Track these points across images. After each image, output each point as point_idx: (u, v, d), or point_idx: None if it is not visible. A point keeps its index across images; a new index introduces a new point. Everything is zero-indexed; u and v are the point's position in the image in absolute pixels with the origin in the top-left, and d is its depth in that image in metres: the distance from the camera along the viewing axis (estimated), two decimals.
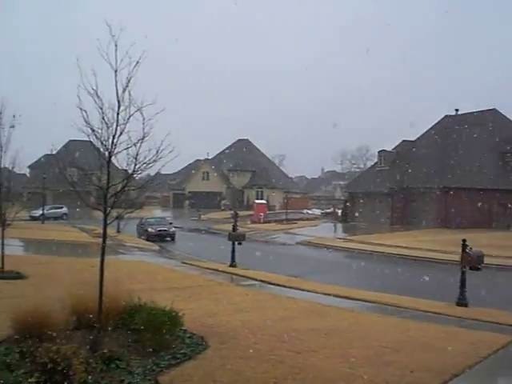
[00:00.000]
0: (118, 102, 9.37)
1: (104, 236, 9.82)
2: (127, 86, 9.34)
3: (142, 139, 9.59)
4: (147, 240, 43.12)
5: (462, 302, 16.54)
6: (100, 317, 9.40)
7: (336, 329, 12.46)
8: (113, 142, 9.47)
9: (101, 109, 9.42)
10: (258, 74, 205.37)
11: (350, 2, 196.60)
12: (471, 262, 16.62)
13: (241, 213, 51.36)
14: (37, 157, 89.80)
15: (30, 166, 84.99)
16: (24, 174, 69.81)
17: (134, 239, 41.89)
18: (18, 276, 18.65)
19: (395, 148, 65.48)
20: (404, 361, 9.88)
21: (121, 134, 9.48)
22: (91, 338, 9.31)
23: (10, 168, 20.62)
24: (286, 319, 13.39)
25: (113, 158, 9.71)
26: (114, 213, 9.93)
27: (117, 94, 9.36)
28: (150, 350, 9.28)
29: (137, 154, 9.66)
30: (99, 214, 10.03)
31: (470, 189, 51.44)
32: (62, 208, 73.03)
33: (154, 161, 9.73)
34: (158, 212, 75.79)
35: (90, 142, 10.33)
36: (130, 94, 9.38)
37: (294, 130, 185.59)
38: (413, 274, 25.66)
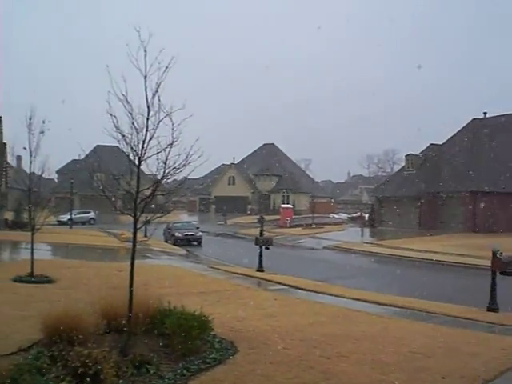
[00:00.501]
0: (148, 107, 9.40)
1: (134, 240, 9.85)
2: (156, 92, 9.37)
3: (172, 144, 9.60)
4: (174, 244, 43.32)
5: (492, 307, 16.30)
6: (130, 321, 9.42)
7: (366, 334, 12.35)
8: (143, 148, 9.50)
9: (130, 114, 9.46)
10: (282, 79, 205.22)
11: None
12: (502, 266, 16.40)
13: (267, 217, 51.19)
14: (64, 162, 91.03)
15: (57, 171, 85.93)
16: (52, 179, 70.57)
17: (161, 244, 42.07)
18: (47, 280, 18.76)
19: (423, 152, 64.94)
20: (435, 367, 9.76)
21: (150, 139, 9.51)
22: (121, 342, 9.35)
23: (40, 173, 20.80)
24: (315, 324, 13.31)
25: (142, 163, 9.74)
26: (142, 218, 9.95)
27: (146, 99, 9.39)
28: (180, 354, 9.28)
29: (166, 159, 9.68)
30: (126, 219, 10.09)
31: (498, 192, 50.79)
32: (89, 213, 73.70)
33: (184, 165, 9.74)
34: (184, 216, 76.02)
35: (117, 147, 10.39)
36: (159, 100, 9.42)
37: (320, 134, 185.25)
38: (442, 279, 25.43)
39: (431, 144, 64.62)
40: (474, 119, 62.47)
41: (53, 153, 20.62)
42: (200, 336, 9.76)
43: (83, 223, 69.09)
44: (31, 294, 15.97)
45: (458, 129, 63.74)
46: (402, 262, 33.90)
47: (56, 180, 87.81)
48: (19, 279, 18.42)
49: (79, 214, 72.01)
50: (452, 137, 63.50)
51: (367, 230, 60.76)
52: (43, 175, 21.35)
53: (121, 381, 7.82)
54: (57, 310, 9.65)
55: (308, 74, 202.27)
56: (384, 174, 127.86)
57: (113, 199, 10.92)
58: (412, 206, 58.57)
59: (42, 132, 18.68)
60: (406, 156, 66.43)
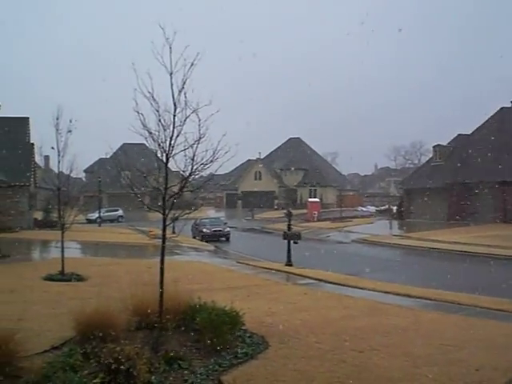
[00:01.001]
0: (174, 104, 9.42)
1: (163, 237, 9.88)
2: (183, 88, 9.37)
3: (199, 140, 9.62)
4: (202, 240, 43.49)
5: None
6: (161, 317, 9.46)
7: (397, 327, 12.26)
8: (170, 144, 9.52)
9: (157, 111, 9.49)
10: (307, 72, 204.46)
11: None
12: None
13: (294, 212, 51.10)
14: (92, 161, 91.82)
15: (85, 170, 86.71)
16: (80, 178, 71.20)
17: (189, 240, 42.22)
18: (78, 278, 18.95)
19: (450, 142, 64.31)
20: (468, 359, 9.64)
21: (178, 135, 9.53)
22: (153, 338, 9.40)
23: (68, 172, 20.98)
24: (346, 318, 13.26)
25: (170, 159, 9.75)
26: (171, 214, 9.96)
27: (172, 96, 9.40)
28: (212, 349, 9.30)
29: (194, 155, 9.69)
30: (154, 216, 10.12)
31: None
32: (117, 210, 74.26)
33: (211, 161, 9.76)
34: (211, 212, 76.35)
35: (144, 145, 10.42)
36: (185, 96, 9.42)
37: (347, 127, 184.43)
38: (472, 270, 25.15)
39: (459, 134, 63.98)
40: (502, 108, 61.61)
41: (80, 152, 20.80)
42: (231, 331, 9.77)
43: (112, 221, 69.66)
44: (62, 291, 16.14)
45: (486, 118, 62.95)
46: (432, 254, 33.60)
47: (84, 179, 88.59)
48: (50, 278, 18.63)
49: (107, 212, 72.60)
50: (480, 126, 62.67)
51: (395, 223, 60.26)
52: (71, 174, 21.54)
53: (153, 377, 7.86)
54: (88, 308, 9.72)
55: (333, 66, 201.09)
56: (411, 165, 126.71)
57: (139, 197, 10.95)
58: (440, 197, 57.97)
59: (70, 131, 18.89)
60: (433, 147, 65.78)
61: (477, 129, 62.76)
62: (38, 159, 43.23)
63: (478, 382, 8.44)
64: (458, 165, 57.77)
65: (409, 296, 17.14)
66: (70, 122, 18.61)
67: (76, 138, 19.64)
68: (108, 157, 57.65)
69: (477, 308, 15.09)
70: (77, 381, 7.34)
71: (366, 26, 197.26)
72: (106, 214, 70.76)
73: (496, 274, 23.23)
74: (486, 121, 62.22)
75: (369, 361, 9.42)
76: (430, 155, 68.40)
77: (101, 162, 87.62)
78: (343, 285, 19.76)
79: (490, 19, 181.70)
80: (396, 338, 11.21)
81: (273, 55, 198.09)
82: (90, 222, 64.19)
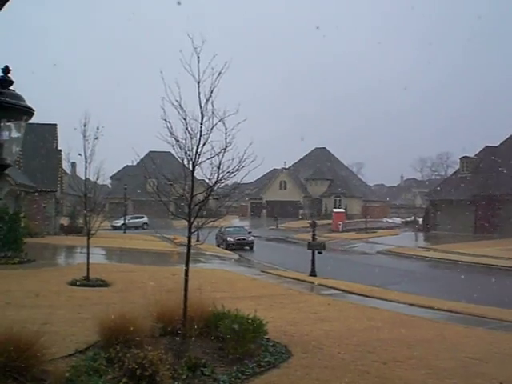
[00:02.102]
0: (202, 112, 9.47)
1: (188, 244, 9.93)
2: (210, 97, 9.43)
3: (225, 149, 9.65)
4: (226, 249, 43.54)
5: None
6: (185, 324, 9.50)
7: (421, 339, 12.18)
8: (197, 152, 9.58)
9: (184, 120, 9.55)
10: (334, 81, 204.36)
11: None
12: None
13: (319, 222, 51.04)
14: (118, 168, 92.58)
15: (111, 177, 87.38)
16: (106, 185, 71.87)
17: (213, 248, 42.29)
18: (103, 284, 19.07)
19: (478, 154, 63.81)
20: (493, 372, 9.56)
21: (204, 144, 9.57)
22: (176, 344, 9.43)
23: (94, 179, 21.14)
24: (370, 329, 13.20)
25: (196, 167, 9.82)
26: (195, 222, 10.01)
27: (200, 105, 9.45)
28: (234, 357, 9.31)
29: (220, 164, 9.73)
30: (178, 224, 10.20)
31: None
32: (142, 218, 74.77)
33: (237, 170, 9.78)
34: (236, 221, 76.42)
35: (170, 153, 10.51)
36: (212, 105, 9.48)
37: (373, 137, 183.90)
38: (499, 283, 24.84)
39: (486, 146, 63.48)
40: None
41: (107, 159, 20.94)
42: (254, 339, 9.78)
43: (136, 228, 70.09)
44: (87, 297, 16.27)
45: None
46: (458, 267, 33.27)
47: (110, 186, 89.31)
48: (75, 283, 18.76)
49: (133, 218, 73.15)
50: (508, 138, 62.14)
51: (421, 235, 59.93)
52: (98, 181, 21.70)
53: (176, 383, 7.89)
54: (113, 313, 9.78)
55: (360, 76, 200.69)
56: (438, 177, 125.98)
57: (165, 205, 11.01)
58: (467, 209, 57.48)
59: (97, 138, 19.03)
60: (460, 159, 65.36)
61: (504, 141, 62.25)
62: (65, 166, 43.70)
63: None
64: (486, 177, 57.28)
65: (433, 308, 17.02)
66: (97, 128, 18.76)
67: (103, 145, 19.83)
68: (134, 164, 58.06)
69: (502, 322, 14.97)
70: None
71: (390, 34, 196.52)
72: (131, 220, 71.25)
73: None
74: None
75: (392, 372, 9.37)
76: (457, 167, 67.96)
77: (127, 169, 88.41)
78: (367, 296, 19.67)
79: None
80: (420, 350, 11.12)
81: (300, 62, 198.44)
82: (115, 228, 64.67)
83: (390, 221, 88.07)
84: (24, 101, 5.12)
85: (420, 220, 69.24)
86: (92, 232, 19.82)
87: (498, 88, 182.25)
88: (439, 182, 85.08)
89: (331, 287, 21.88)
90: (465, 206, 57.65)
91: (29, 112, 5.24)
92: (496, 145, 62.84)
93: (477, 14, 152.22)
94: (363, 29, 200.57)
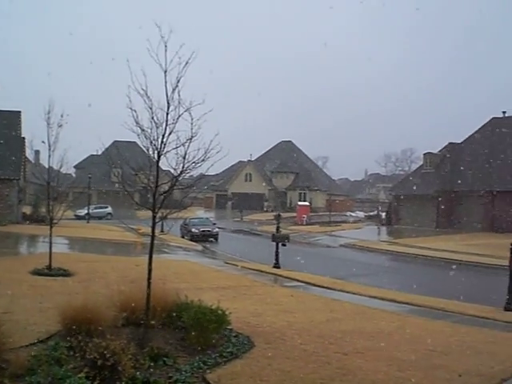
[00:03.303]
0: (168, 102, 9.44)
1: (152, 235, 9.90)
2: (176, 86, 9.40)
3: (191, 139, 9.64)
4: (191, 240, 43.45)
5: (510, 306, 16.21)
6: (148, 314, 9.48)
7: (382, 331, 12.34)
8: (162, 142, 9.54)
9: (150, 109, 9.51)
10: (301, 75, 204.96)
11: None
12: None
13: (283, 214, 51.27)
14: (82, 157, 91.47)
15: (75, 166, 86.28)
16: (70, 174, 71.04)
17: (178, 239, 42.19)
18: (65, 273, 18.85)
19: (441, 150, 64.62)
20: (452, 365, 9.72)
21: (170, 133, 9.55)
22: (139, 334, 9.41)
23: (58, 168, 20.87)
24: (332, 321, 13.32)
25: (161, 157, 9.77)
26: (160, 213, 9.97)
27: (166, 94, 9.43)
28: (197, 347, 9.33)
29: (185, 154, 9.71)
30: (142, 214, 10.16)
31: None
32: (106, 208, 74.14)
33: (203, 160, 9.78)
34: (201, 212, 76.17)
35: (135, 142, 10.43)
36: (179, 94, 9.45)
37: (338, 132, 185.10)
38: (459, 278, 25.19)
39: (450, 143, 64.28)
40: (494, 118, 61.97)
41: (71, 147, 20.68)
42: (217, 330, 9.80)
43: (100, 218, 69.41)
44: (49, 286, 16.11)
45: (477, 128, 63.30)
46: (419, 261, 33.81)
47: (74, 175, 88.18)
48: (37, 272, 18.54)
49: (96, 208, 72.46)
50: (471, 135, 63.04)
51: (384, 229, 60.55)
52: (61, 170, 21.42)
53: (138, 373, 7.86)
54: (75, 303, 9.71)
55: (326, 70, 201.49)
56: (402, 172, 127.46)
57: (129, 194, 10.94)
58: (430, 204, 58.28)
59: (61, 126, 18.75)
60: (424, 154, 66.12)
61: (467, 138, 63.15)
62: (29, 153, 43.06)
63: None
64: (448, 173, 58.12)
65: (395, 301, 17.25)
66: (62, 116, 18.47)
67: (67, 133, 19.55)
68: (99, 153, 57.48)
69: (462, 315, 15.22)
70: (62, 374, 7.33)
71: (363, 32, 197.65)
72: (95, 210, 70.58)
73: (482, 282, 23.39)
74: (477, 130, 62.62)
75: (353, 363, 9.47)
76: (421, 163, 68.70)
77: (91, 158, 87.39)
78: (330, 288, 19.83)
79: (487, 33, 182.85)
80: (381, 342, 11.25)
81: (268, 57, 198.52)
82: (78, 218, 63.90)
83: (353, 215, 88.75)
84: None
85: (383, 214, 69.92)
86: (55, 221, 19.58)
87: (462, 86, 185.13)
88: (403, 177, 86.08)
89: (294, 279, 22.00)
90: (427, 201, 58.46)
91: None
92: (459, 142, 63.71)
93: None
94: (331, 27, 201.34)
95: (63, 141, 19.30)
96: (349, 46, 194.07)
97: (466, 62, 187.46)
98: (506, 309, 16.16)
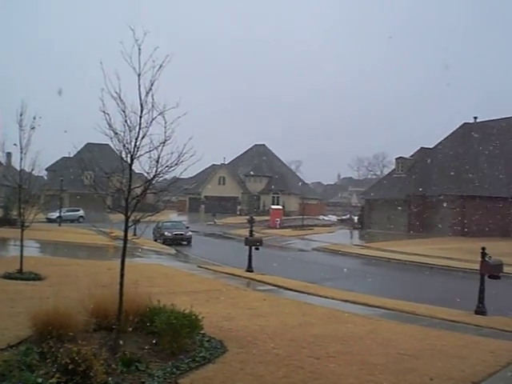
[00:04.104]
0: (141, 105, 9.38)
1: (125, 239, 9.83)
2: (150, 90, 9.35)
3: (164, 143, 9.58)
4: (163, 243, 43.31)
5: (480, 310, 16.40)
6: (120, 319, 9.41)
7: (355, 335, 12.39)
8: (135, 145, 9.48)
9: (124, 112, 9.44)
10: (274, 81, 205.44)
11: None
12: (490, 270, 16.46)
13: (257, 218, 51.36)
14: (54, 159, 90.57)
15: (47, 169, 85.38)
16: (42, 177, 70.24)
17: (151, 243, 41.99)
18: (36, 277, 18.65)
19: (413, 155, 65.25)
20: (423, 368, 9.80)
21: (143, 137, 9.48)
22: (111, 340, 9.35)
23: (30, 170, 20.66)
24: (305, 325, 13.34)
25: (134, 161, 9.73)
26: (133, 216, 9.92)
27: (140, 97, 9.36)
28: (170, 352, 9.29)
29: (158, 158, 9.66)
30: (115, 217, 10.09)
31: (487, 197, 51.05)
32: (78, 211, 73.66)
33: (176, 164, 9.72)
34: (174, 216, 75.96)
35: (108, 145, 10.36)
36: (152, 98, 9.40)
37: (311, 136, 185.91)
38: (430, 281, 25.52)
39: (421, 147, 64.99)
40: (465, 123, 62.78)
41: (43, 150, 20.47)
42: (189, 335, 9.76)
43: (72, 221, 68.89)
44: (20, 290, 15.89)
45: (449, 133, 64.07)
46: (391, 265, 34.05)
47: (46, 177, 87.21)
48: (8, 276, 18.30)
49: (68, 211, 71.99)
50: (442, 141, 63.83)
51: (356, 233, 60.93)
52: (33, 172, 21.22)
53: (110, 378, 7.80)
54: (46, 307, 9.61)
55: (299, 76, 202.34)
56: (374, 176, 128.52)
57: (101, 197, 10.86)
58: (401, 208, 58.78)
59: (33, 128, 18.53)
60: (396, 159, 66.70)
61: (439, 143, 63.92)
62: (0, 156, 42.38)
63: None
64: (420, 177, 58.70)
65: (367, 305, 17.33)
66: (34, 118, 18.27)
67: (39, 135, 19.36)
68: (71, 156, 56.86)
69: (433, 319, 15.34)
70: (33, 380, 7.26)
71: (336, 35, 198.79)
72: (67, 213, 70.12)
73: (453, 286, 23.61)
74: (449, 135, 63.44)
75: (325, 368, 9.51)
76: (393, 167, 69.32)
77: (64, 161, 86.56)
78: (302, 292, 19.86)
79: (462, 39, 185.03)
80: (353, 346, 11.31)
81: (243, 63, 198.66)
82: (50, 221, 63.34)
83: (326, 218, 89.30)
84: None
85: (355, 218, 70.40)
86: (26, 224, 19.38)
87: (435, 91, 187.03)
88: (375, 181, 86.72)
89: (267, 283, 22.01)
90: (399, 205, 58.96)
91: None
92: (431, 147, 64.39)
93: None
94: (304, 29, 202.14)
95: (35, 143, 19.12)
96: (322, 51, 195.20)
97: (439, 68, 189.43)
98: (477, 312, 16.35)
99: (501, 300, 17.49)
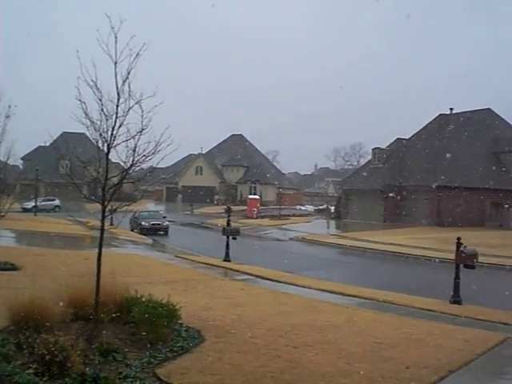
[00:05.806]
0: (118, 94, 9.31)
1: (102, 228, 9.78)
2: (127, 78, 9.28)
3: (141, 132, 9.53)
4: (140, 233, 43.11)
5: (455, 299, 16.56)
6: (97, 309, 9.37)
7: (332, 324, 12.46)
8: (112, 134, 9.42)
9: (100, 101, 9.36)
10: (252, 70, 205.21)
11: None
12: (466, 259, 16.62)
13: (234, 208, 51.36)
14: (30, 148, 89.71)
15: (22, 158, 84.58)
16: (17, 166, 69.66)
17: (128, 232, 41.78)
18: (12, 267, 18.50)
19: (389, 146, 65.58)
20: (400, 357, 9.90)
21: (120, 126, 9.42)
22: (88, 330, 9.31)
23: (5, 160, 20.48)
24: (282, 314, 13.40)
25: (111, 150, 9.66)
26: (109, 206, 9.86)
27: (116, 86, 9.30)
28: (147, 342, 9.28)
29: (135, 147, 9.61)
30: (92, 207, 10.03)
31: (463, 187, 51.50)
32: (54, 200, 73.02)
33: (153, 153, 9.67)
34: (151, 206, 75.60)
35: (84, 134, 10.27)
36: (129, 87, 9.34)
37: (288, 126, 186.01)
38: (406, 271, 25.76)
39: (398, 138, 65.32)
40: (441, 115, 63.20)
41: (18, 139, 20.29)
42: (167, 324, 9.75)
43: (48, 211, 68.29)
44: None
45: (425, 124, 64.49)
46: (367, 254, 34.25)
47: (21, 167, 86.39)
48: None
49: (44, 201, 71.35)
50: (418, 132, 64.22)
51: (333, 222, 61.15)
52: (8, 161, 21.03)
53: (87, 368, 7.77)
54: (23, 298, 9.55)
55: (277, 66, 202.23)
56: (350, 167, 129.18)
57: (77, 187, 10.78)
58: (378, 199, 59.10)
59: (8, 117, 18.37)
60: (372, 149, 66.97)
61: (415, 134, 64.30)
62: None
63: (409, 380, 8.66)
64: (396, 168, 59.07)
65: (343, 294, 17.43)
66: (9, 107, 18.12)
67: (14, 124, 19.17)
68: (47, 145, 56.35)
69: (409, 308, 15.49)
70: (9, 371, 7.21)
71: (318, 24, 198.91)
72: (43, 203, 69.49)
73: (428, 276, 23.83)
74: (425, 126, 63.87)
75: (303, 356, 9.56)
76: (369, 157, 69.61)
77: (39, 149, 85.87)
78: (280, 281, 19.92)
79: (439, 29, 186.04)
80: (330, 335, 11.39)
81: (220, 50, 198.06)
82: (25, 210, 62.77)
83: (303, 208, 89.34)
84: None
85: (332, 208, 70.65)
86: (2, 214, 19.23)
87: (412, 82, 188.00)
88: (352, 171, 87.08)
89: (245, 272, 22.04)
90: (375, 195, 59.28)
91: None
92: (407, 137, 64.77)
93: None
94: (283, 20, 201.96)
95: (11, 132, 18.93)
96: (300, 41, 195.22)
97: (416, 59, 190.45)
98: (452, 302, 16.51)
99: (476, 289, 17.67)
